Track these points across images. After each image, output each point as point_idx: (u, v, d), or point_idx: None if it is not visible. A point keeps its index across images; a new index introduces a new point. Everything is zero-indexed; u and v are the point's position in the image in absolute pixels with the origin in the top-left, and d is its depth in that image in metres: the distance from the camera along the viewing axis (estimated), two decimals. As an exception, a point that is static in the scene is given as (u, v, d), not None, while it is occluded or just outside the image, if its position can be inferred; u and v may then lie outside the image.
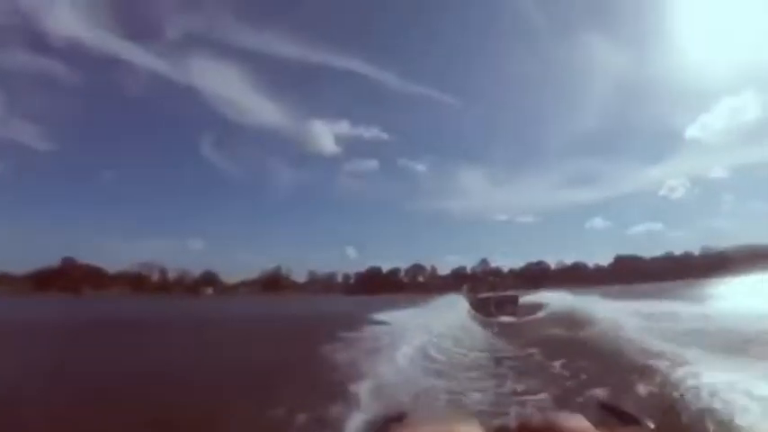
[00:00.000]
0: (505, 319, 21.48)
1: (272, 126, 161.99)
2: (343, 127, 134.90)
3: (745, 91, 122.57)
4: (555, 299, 27.07)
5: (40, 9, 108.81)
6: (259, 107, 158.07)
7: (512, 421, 0.50)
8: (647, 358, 6.60)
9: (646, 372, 5.96)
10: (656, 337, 8.45)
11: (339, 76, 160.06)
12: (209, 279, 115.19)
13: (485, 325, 17.54)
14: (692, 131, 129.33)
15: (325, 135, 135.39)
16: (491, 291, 30.02)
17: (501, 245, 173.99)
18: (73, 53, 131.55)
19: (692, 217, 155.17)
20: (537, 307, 23.33)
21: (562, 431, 0.42)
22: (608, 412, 0.45)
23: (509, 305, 25.62)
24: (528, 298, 31.34)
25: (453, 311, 21.45)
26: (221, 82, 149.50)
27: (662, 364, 5.94)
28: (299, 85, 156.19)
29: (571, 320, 14.34)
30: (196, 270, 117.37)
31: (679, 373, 5.35)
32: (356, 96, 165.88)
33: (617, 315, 12.79)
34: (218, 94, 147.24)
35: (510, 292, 31.39)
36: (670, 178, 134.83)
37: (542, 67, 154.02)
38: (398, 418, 0.48)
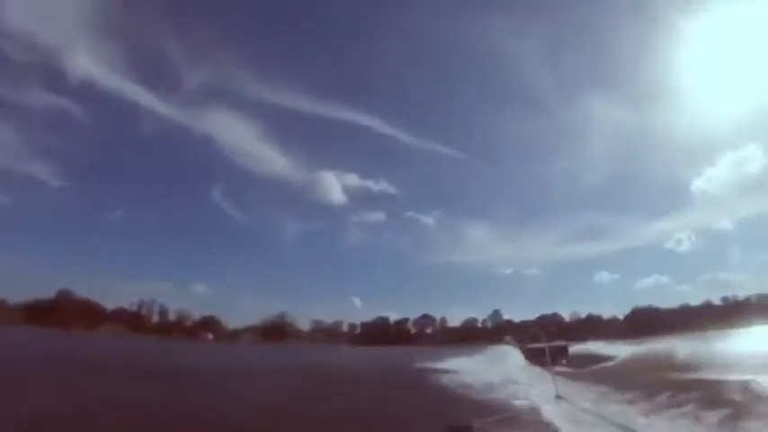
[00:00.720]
0: (562, 369, 20.75)
1: (282, 176, 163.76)
2: (352, 179, 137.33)
3: (748, 143, 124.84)
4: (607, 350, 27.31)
5: (60, 48, 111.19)
6: (270, 158, 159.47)
7: None
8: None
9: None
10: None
11: (349, 130, 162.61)
12: (210, 323, 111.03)
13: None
14: (697, 184, 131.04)
15: (333, 186, 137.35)
16: (535, 341, 29.25)
17: (508, 298, 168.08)
18: (90, 94, 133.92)
19: (698, 269, 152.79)
20: (593, 357, 23.49)
21: None
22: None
23: (560, 355, 25.44)
24: (577, 348, 31.28)
25: (510, 360, 21.96)
26: (234, 132, 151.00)
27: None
28: (310, 137, 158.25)
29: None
30: (197, 314, 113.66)
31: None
32: (365, 150, 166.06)
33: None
34: (231, 144, 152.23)
35: (559, 343, 31.45)
36: (676, 231, 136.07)
37: (547, 124, 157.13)
38: (464, 429, 0.50)
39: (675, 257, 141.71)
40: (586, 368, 21.29)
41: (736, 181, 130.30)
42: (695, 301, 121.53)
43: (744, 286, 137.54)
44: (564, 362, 23.66)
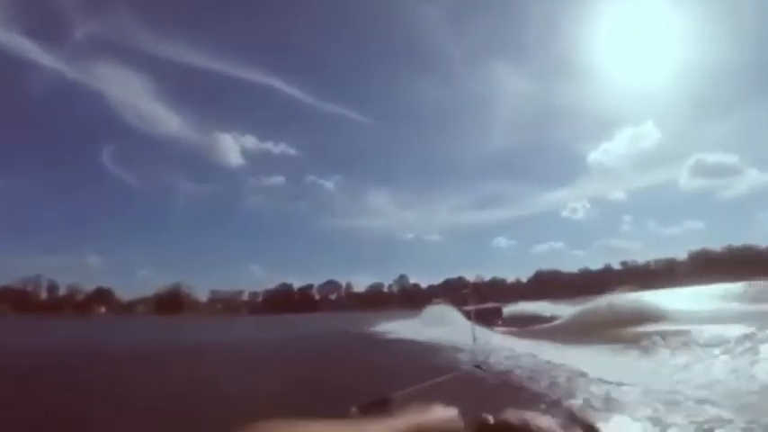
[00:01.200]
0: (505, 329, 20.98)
1: (176, 137, 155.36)
2: (250, 141, 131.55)
3: (645, 120, 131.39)
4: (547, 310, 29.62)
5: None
6: (164, 117, 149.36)
7: (490, 418, 0.53)
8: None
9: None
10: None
11: (248, 90, 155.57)
12: (103, 296, 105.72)
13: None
14: (594, 156, 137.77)
15: (231, 148, 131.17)
16: (463, 304, 28.02)
17: (410, 263, 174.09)
18: None
19: (592, 236, 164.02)
20: (528, 318, 24.81)
21: (534, 429, 0.44)
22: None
23: (495, 316, 26.26)
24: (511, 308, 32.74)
25: (454, 322, 21.47)
26: (125, 88, 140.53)
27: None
28: (206, 96, 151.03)
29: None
30: (90, 287, 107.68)
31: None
32: (265, 111, 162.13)
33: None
34: (122, 101, 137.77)
35: (492, 304, 31.91)
36: (572, 200, 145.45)
37: (452, 91, 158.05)
38: (384, 402, 0.51)
39: (571, 225, 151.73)
40: (528, 328, 21.16)
41: (632, 155, 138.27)
42: (591, 266, 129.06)
43: (636, 253, 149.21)
44: (499, 323, 23.65)
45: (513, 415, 0.45)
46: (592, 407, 5.93)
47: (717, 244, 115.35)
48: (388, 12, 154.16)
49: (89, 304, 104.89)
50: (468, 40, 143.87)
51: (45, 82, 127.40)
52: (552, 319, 25.66)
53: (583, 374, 8.01)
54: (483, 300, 35.15)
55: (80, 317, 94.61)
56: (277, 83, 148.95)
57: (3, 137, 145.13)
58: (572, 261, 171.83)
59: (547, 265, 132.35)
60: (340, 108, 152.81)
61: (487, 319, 23.89)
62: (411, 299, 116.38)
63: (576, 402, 6.22)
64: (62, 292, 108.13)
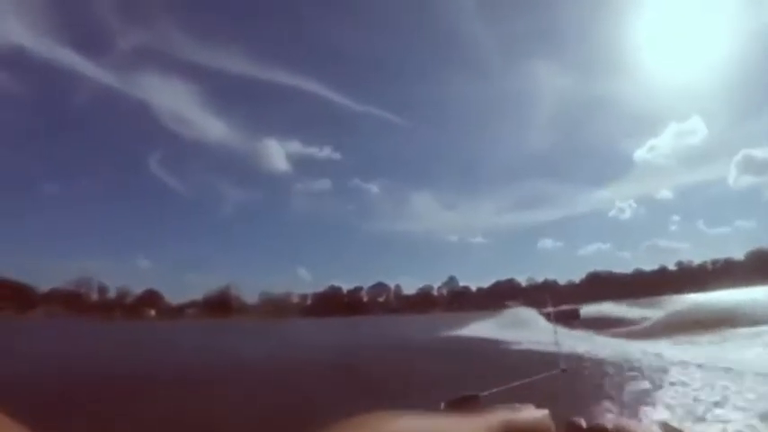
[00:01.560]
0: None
1: (222, 144, 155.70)
2: (295, 146, 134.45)
3: (691, 116, 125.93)
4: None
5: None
6: (209, 124, 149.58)
7: (583, 421, 0.55)
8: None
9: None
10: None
11: (291, 96, 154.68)
12: (152, 299, 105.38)
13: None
14: (639, 154, 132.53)
15: (276, 154, 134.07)
16: (539, 305, 27.80)
17: (455, 265, 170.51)
18: (17, 61, 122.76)
19: (639, 236, 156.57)
20: (607, 320, 22.59)
21: None
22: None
23: (572, 318, 25.70)
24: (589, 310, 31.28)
25: (538, 324, 20.89)
26: (171, 98, 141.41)
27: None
28: (251, 103, 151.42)
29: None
30: (138, 289, 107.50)
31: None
32: (308, 116, 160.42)
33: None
34: (168, 111, 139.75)
35: (568, 307, 30.91)
36: (618, 199, 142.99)
37: (491, 90, 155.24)
38: (473, 398, 0.51)
39: (617, 225, 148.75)
40: (609, 330, 20.07)
41: (678, 152, 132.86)
42: (640, 267, 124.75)
43: (685, 253, 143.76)
44: (577, 325, 22.89)
45: (607, 420, 0.43)
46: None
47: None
48: (424, 11, 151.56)
49: (138, 307, 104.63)
50: (506, 37, 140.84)
51: (92, 92, 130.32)
52: (635, 321, 23.89)
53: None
54: (543, 303, 32.12)
55: (130, 319, 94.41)
56: (319, 88, 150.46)
57: (54, 145, 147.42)
58: (620, 263, 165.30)
59: (594, 267, 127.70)
60: (381, 111, 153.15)
61: (566, 320, 23.16)
62: (460, 301, 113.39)
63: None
64: (112, 294, 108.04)
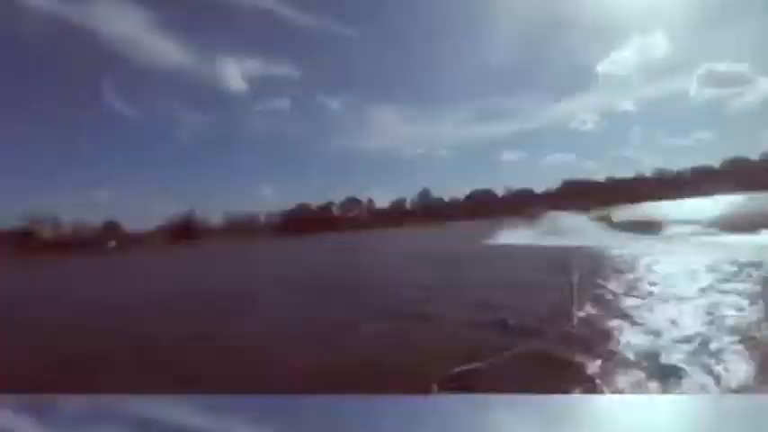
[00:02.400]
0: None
1: (176, 67, 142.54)
2: (252, 65, 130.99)
3: (655, 29, 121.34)
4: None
5: None
6: (162, 47, 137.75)
7: None
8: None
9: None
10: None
11: (246, 13, 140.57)
12: (112, 230, 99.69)
13: None
14: (602, 67, 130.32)
15: (233, 74, 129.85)
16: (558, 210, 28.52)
17: (423, 178, 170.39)
18: None
19: (602, 148, 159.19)
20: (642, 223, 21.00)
21: None
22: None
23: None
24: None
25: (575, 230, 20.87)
26: (121, 22, 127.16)
27: None
28: (203, 23, 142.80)
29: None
30: (97, 222, 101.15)
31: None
32: (265, 34, 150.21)
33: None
34: (119, 35, 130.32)
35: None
36: (580, 111, 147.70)
37: (453, 4, 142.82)
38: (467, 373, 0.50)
39: (580, 136, 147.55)
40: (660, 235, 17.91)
41: (641, 65, 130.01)
42: (604, 176, 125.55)
43: (646, 164, 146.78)
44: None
45: None
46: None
47: (728, 155, 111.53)
48: None
49: (97, 239, 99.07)
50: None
51: (39, 20, 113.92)
52: (664, 224, 21.33)
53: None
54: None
55: (89, 254, 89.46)
56: (274, 4, 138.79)
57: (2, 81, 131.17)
58: (585, 174, 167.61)
59: (561, 177, 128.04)
60: (339, 26, 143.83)
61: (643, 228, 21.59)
62: (433, 213, 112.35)
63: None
64: (67, 229, 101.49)
